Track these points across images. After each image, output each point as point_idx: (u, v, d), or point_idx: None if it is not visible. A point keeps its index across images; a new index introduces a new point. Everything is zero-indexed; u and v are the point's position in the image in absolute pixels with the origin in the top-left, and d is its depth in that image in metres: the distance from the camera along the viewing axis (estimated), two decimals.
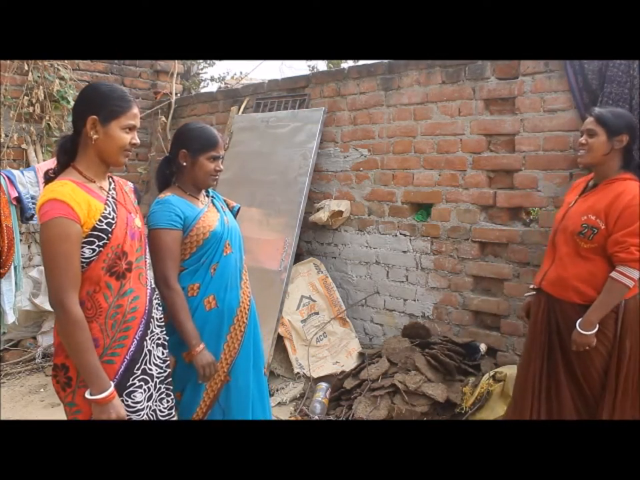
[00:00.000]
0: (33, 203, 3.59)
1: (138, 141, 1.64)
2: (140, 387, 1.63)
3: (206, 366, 1.92)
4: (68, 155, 1.60)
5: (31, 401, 3.50)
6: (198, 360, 1.91)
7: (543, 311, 2.27)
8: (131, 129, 1.60)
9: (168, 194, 2.00)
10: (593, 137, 2.12)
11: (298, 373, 3.48)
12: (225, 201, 2.23)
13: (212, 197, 2.16)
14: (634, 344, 2.12)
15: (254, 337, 2.15)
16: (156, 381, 1.70)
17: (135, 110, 1.61)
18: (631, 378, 2.12)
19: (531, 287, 2.42)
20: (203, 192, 2.12)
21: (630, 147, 2.14)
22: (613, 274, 2.05)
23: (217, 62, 7.57)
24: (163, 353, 1.76)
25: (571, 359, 2.17)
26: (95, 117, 1.54)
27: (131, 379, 1.61)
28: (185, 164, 2.01)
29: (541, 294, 2.30)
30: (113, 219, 1.57)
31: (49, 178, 1.59)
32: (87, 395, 1.50)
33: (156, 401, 1.70)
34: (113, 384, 1.53)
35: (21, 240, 3.80)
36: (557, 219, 2.30)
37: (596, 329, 2.06)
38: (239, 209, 2.28)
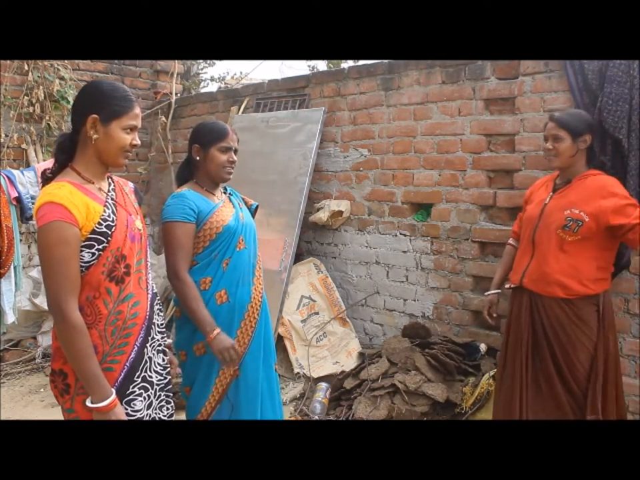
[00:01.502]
0: (33, 203, 3.59)
1: (139, 142, 1.59)
2: (140, 394, 1.59)
3: (223, 350, 1.90)
4: (66, 154, 1.55)
5: (31, 400, 3.50)
6: (214, 345, 1.90)
7: (526, 308, 2.29)
8: (132, 129, 1.55)
9: (184, 188, 2.05)
10: (558, 142, 2.20)
11: (298, 372, 3.49)
12: (242, 198, 2.27)
13: (229, 193, 2.19)
14: (613, 336, 2.21)
15: (265, 333, 2.16)
16: (156, 389, 1.66)
17: (137, 110, 1.56)
18: (616, 367, 2.20)
19: (507, 286, 2.44)
20: (220, 188, 2.15)
21: (592, 145, 2.24)
22: None
23: (217, 62, 7.58)
24: (163, 360, 1.71)
25: (557, 355, 2.20)
26: (95, 116, 1.49)
27: (130, 386, 1.56)
28: (198, 158, 2.06)
29: (522, 292, 2.31)
30: (112, 221, 1.52)
31: (46, 178, 1.54)
32: (88, 403, 1.46)
33: (156, 409, 1.67)
34: (114, 391, 1.49)
35: (21, 240, 3.80)
36: (532, 216, 2.32)
37: None
38: (257, 207, 2.32)
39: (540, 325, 2.24)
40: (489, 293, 2.61)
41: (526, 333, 2.27)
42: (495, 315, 2.59)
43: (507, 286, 2.45)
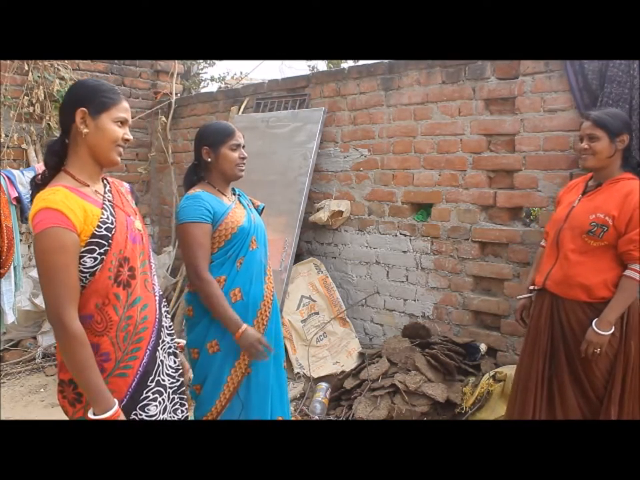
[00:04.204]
0: None
1: (131, 137, 1.54)
2: (154, 399, 1.55)
3: (250, 345, 1.95)
4: (58, 157, 1.49)
5: (31, 400, 3.50)
6: (243, 341, 1.95)
7: (546, 311, 2.25)
8: (123, 122, 1.51)
9: (198, 190, 2.06)
10: (594, 141, 2.12)
11: (298, 372, 3.48)
12: (250, 199, 2.30)
13: (238, 195, 2.22)
14: (637, 344, 2.13)
15: (275, 330, 2.19)
16: (169, 392, 1.62)
17: (125, 104, 1.52)
18: (636, 378, 2.13)
19: (531, 287, 2.40)
20: (230, 190, 2.17)
21: (629, 145, 2.15)
22: (628, 272, 2.05)
23: (217, 62, 7.56)
24: (174, 362, 1.68)
25: (574, 360, 2.16)
26: (84, 109, 1.45)
27: (144, 391, 1.53)
28: (209, 160, 2.08)
29: (544, 294, 2.27)
30: (112, 223, 1.47)
31: (37, 185, 1.48)
32: (90, 415, 1.41)
33: (170, 412, 1.63)
34: (117, 402, 1.44)
35: (20, 240, 3.80)
36: (558, 218, 2.27)
37: (612, 329, 2.05)
38: (264, 207, 2.35)
39: (559, 329, 2.20)
40: (520, 297, 2.52)
41: (545, 335, 2.24)
42: (527, 320, 2.48)
43: (530, 287, 2.40)
